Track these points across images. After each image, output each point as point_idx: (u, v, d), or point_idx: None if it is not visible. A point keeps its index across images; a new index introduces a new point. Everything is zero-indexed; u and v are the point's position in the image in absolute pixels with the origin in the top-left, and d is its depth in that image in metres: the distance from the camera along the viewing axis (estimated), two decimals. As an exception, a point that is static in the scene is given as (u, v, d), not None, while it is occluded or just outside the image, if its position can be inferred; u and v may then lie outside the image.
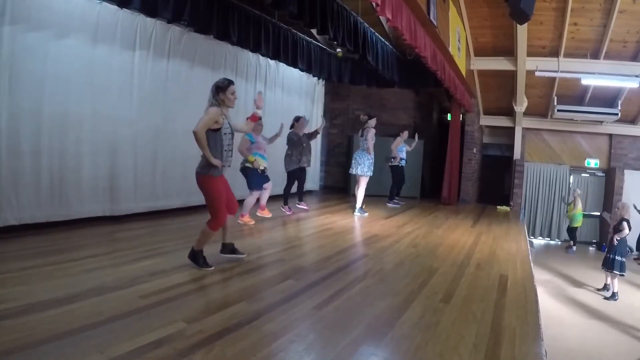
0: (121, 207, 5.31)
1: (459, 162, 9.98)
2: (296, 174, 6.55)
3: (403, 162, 8.31)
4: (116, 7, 4.82)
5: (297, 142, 6.42)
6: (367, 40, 6.42)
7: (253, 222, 5.52)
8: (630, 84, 8.20)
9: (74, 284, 2.92)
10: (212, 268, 3.50)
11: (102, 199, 5.12)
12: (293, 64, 7.37)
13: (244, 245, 4.38)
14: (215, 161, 3.33)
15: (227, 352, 2.15)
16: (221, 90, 3.40)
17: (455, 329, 2.65)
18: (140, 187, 5.57)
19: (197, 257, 3.52)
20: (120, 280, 3.06)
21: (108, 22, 4.95)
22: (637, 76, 7.99)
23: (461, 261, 4.42)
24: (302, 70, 7.90)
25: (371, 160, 6.83)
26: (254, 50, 6.66)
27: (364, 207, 6.98)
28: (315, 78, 9.45)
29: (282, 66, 8.08)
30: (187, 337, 2.28)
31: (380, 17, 5.41)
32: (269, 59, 7.64)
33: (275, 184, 6.27)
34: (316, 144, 10.08)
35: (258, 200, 5.80)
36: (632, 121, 9.71)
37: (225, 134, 3.43)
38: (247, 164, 5.41)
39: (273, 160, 6.33)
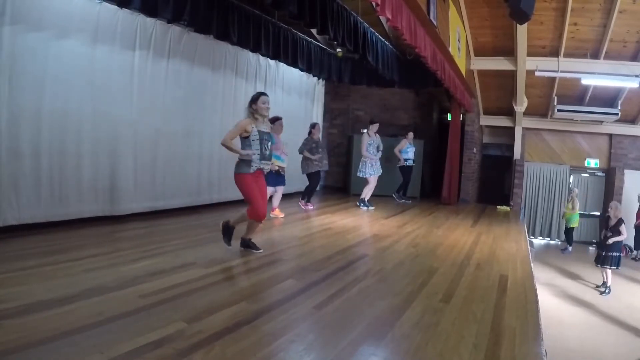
0: (121, 207, 5.30)
1: (459, 162, 9.98)
2: (314, 176, 6.94)
3: (410, 162, 8.56)
4: (116, 7, 4.81)
5: (315, 148, 6.78)
6: (367, 40, 6.42)
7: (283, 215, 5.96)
8: (630, 84, 8.20)
9: (74, 284, 2.92)
10: (261, 250, 4.08)
11: (102, 199, 5.12)
12: (293, 64, 7.37)
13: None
14: (245, 152, 3.78)
15: (227, 352, 2.15)
16: (253, 102, 3.87)
17: (455, 329, 2.65)
18: (140, 187, 5.56)
19: (248, 244, 4.08)
20: (120, 280, 3.06)
21: (108, 22, 4.95)
22: (637, 76, 7.99)
23: (461, 261, 4.42)
24: (302, 70, 7.90)
25: (366, 162, 7.41)
26: (254, 50, 6.66)
27: (365, 202, 7.51)
28: (315, 78, 9.45)
29: (282, 66, 8.08)
30: (187, 337, 2.27)
31: (380, 17, 5.41)
32: (269, 59, 7.63)
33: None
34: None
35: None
36: (632, 121, 9.71)
37: (253, 140, 3.82)
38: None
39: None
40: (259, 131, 3.86)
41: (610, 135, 10.13)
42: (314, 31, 7.03)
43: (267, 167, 4.00)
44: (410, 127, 10.45)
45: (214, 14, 5.47)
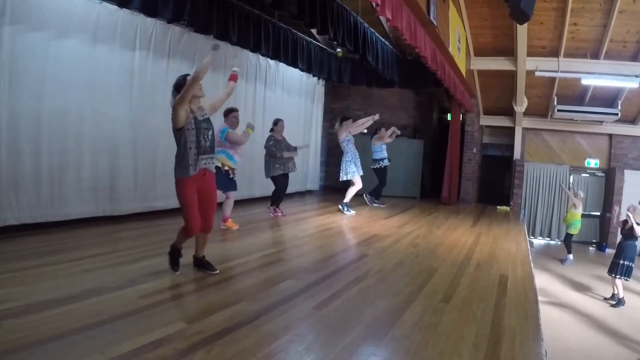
0: (121, 207, 5.31)
1: (459, 162, 9.98)
2: (281, 179, 6.18)
3: (386, 162, 7.83)
4: (116, 7, 4.82)
5: (278, 149, 6.02)
6: (367, 40, 6.42)
7: (237, 226, 5.07)
8: (630, 84, 8.20)
9: (74, 284, 2.93)
10: (178, 272, 3.27)
11: (102, 199, 5.12)
12: (293, 64, 7.37)
13: (242, 245, 4.40)
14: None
15: (227, 352, 2.15)
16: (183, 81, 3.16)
17: (455, 329, 2.65)
18: (140, 187, 5.56)
19: (172, 253, 3.31)
20: (120, 280, 3.06)
21: (108, 22, 4.95)
22: (637, 76, 7.99)
23: (461, 261, 4.42)
24: (302, 70, 7.89)
25: (349, 162, 6.91)
26: (254, 50, 6.65)
27: (348, 206, 6.98)
28: (315, 78, 9.45)
29: (282, 66, 8.08)
30: (187, 337, 2.27)
31: (380, 17, 5.41)
32: (269, 59, 7.63)
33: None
34: (316, 145, 10.09)
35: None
36: (632, 121, 9.71)
37: (188, 129, 3.09)
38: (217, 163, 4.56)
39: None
40: (195, 118, 3.06)
41: (610, 136, 10.13)
42: (314, 31, 7.03)
43: (210, 163, 3.20)
44: (409, 127, 10.47)
45: (214, 14, 5.47)
